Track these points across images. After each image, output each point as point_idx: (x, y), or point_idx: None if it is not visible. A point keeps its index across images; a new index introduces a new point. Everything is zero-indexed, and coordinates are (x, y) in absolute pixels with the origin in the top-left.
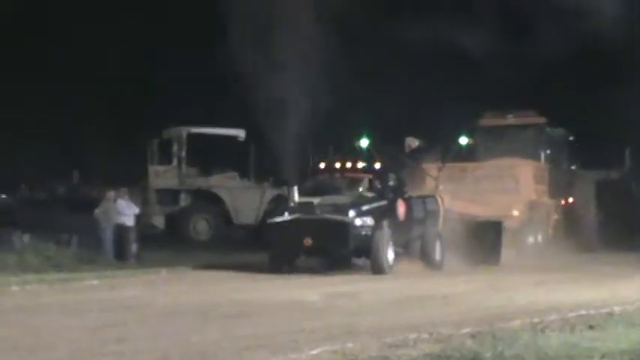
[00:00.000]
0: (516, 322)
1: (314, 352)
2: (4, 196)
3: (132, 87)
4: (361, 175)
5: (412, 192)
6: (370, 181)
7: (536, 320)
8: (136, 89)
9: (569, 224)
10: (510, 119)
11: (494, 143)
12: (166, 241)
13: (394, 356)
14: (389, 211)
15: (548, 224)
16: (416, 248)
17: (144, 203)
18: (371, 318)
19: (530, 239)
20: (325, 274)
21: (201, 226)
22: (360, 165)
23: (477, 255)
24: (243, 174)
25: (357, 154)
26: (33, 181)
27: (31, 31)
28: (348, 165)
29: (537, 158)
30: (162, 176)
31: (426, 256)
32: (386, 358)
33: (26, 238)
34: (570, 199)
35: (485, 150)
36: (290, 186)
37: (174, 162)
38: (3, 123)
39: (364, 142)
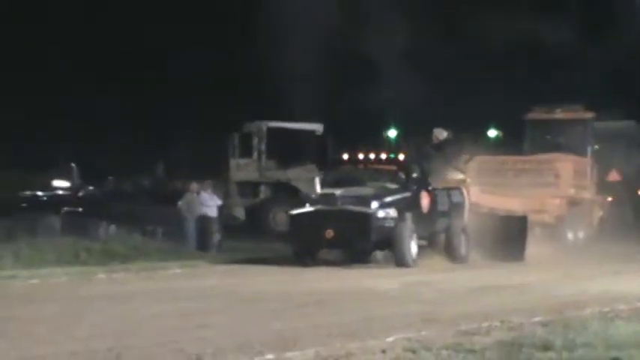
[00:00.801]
0: (587, 311)
1: (390, 339)
2: (91, 188)
3: (214, 82)
4: (385, 166)
5: (438, 184)
6: (394, 172)
7: (606, 309)
8: (218, 84)
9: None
10: (558, 113)
11: (542, 137)
12: (247, 232)
13: (467, 343)
14: (412, 203)
15: (591, 221)
16: (440, 241)
17: (225, 195)
18: (446, 306)
19: (570, 235)
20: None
21: (280, 218)
22: (384, 156)
23: (501, 250)
24: (321, 166)
25: (383, 144)
26: (120, 174)
27: (130, 40)
28: (372, 156)
29: (584, 153)
30: (243, 169)
31: (450, 250)
32: (459, 345)
33: (112, 228)
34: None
35: (533, 143)
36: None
37: (255, 155)
38: (91, 118)
39: (392, 133)
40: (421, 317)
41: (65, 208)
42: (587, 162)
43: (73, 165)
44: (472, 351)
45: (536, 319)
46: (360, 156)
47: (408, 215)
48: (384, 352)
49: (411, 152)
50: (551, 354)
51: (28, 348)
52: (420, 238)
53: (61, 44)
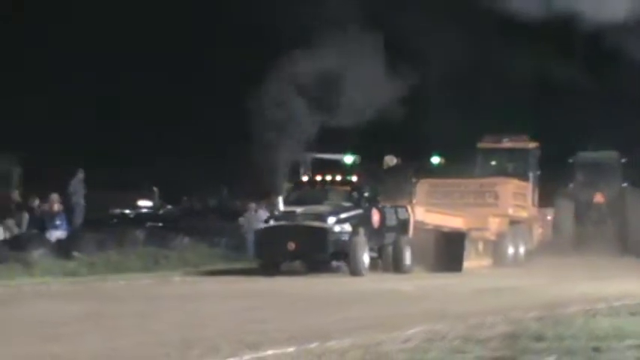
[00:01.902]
0: (572, 309)
1: (411, 331)
2: (169, 206)
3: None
4: (340, 187)
5: (387, 203)
6: (348, 192)
7: (588, 308)
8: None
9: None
10: (506, 143)
11: (490, 163)
12: None
13: (475, 335)
14: (364, 219)
15: (532, 238)
16: (389, 253)
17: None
18: (455, 305)
19: (510, 250)
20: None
21: None
22: (339, 178)
23: (442, 262)
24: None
25: (340, 168)
26: (192, 195)
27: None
28: (328, 178)
29: (527, 178)
30: None
31: (397, 261)
32: (468, 336)
33: (186, 240)
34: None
35: (482, 168)
36: (275, 197)
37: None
38: (169, 147)
39: (348, 159)
40: (435, 314)
41: (148, 224)
42: (528, 186)
43: (154, 188)
44: (479, 341)
45: (531, 315)
46: (318, 178)
47: (361, 230)
48: (406, 341)
49: (364, 175)
50: (543, 344)
51: (116, 338)
52: (370, 250)
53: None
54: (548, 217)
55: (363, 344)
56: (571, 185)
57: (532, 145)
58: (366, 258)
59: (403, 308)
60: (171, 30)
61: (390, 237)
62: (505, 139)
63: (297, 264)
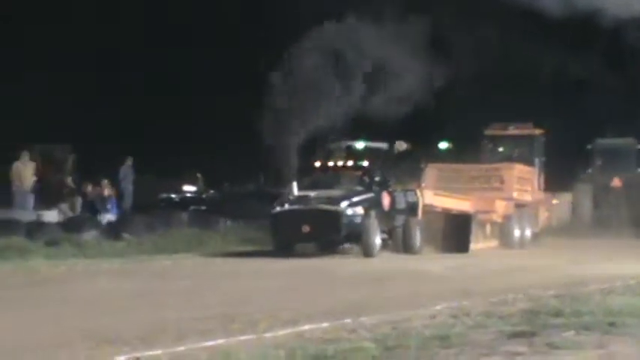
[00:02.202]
0: (589, 287)
1: (437, 307)
2: (212, 191)
3: None
4: (352, 172)
5: (398, 187)
6: (359, 176)
7: (605, 286)
8: None
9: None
10: (512, 130)
11: (497, 149)
12: None
13: (497, 311)
14: (375, 202)
15: (537, 220)
16: (399, 235)
17: None
18: (478, 284)
19: (517, 232)
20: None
21: None
22: (350, 163)
23: (450, 243)
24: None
25: (351, 154)
26: (232, 180)
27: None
28: (340, 163)
29: (532, 164)
30: None
31: (407, 243)
32: (491, 312)
33: (229, 222)
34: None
35: (490, 155)
36: (290, 182)
37: None
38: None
39: (360, 145)
40: (460, 292)
41: (192, 207)
42: (533, 170)
43: (198, 174)
44: (501, 317)
45: (550, 292)
46: (330, 163)
47: (372, 213)
48: (433, 317)
49: (375, 160)
50: (561, 320)
51: (162, 313)
52: (381, 232)
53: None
54: (554, 201)
55: (393, 320)
56: (589, 170)
57: (537, 131)
58: (377, 240)
59: (429, 287)
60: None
61: (400, 219)
62: (511, 127)
63: (309, 246)
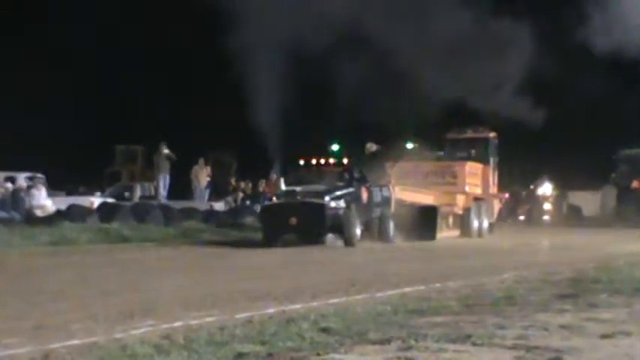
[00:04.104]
0: (620, 261)
1: (504, 275)
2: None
3: None
4: (333, 168)
5: (371, 183)
6: (340, 173)
7: (633, 260)
8: None
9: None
10: (469, 133)
11: (456, 151)
12: None
13: (550, 279)
14: (356, 197)
15: (493, 212)
16: (375, 227)
17: None
18: (535, 258)
19: (475, 223)
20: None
21: None
22: (332, 161)
23: (418, 233)
24: None
25: (328, 154)
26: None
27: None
28: (322, 161)
29: (487, 163)
30: None
31: (382, 234)
32: (546, 279)
33: None
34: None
35: (450, 156)
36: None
37: None
38: None
39: (335, 147)
40: (521, 264)
41: None
42: (487, 168)
43: None
44: (552, 283)
45: (590, 265)
46: (314, 161)
47: (353, 206)
48: (502, 282)
49: (352, 159)
50: (599, 285)
51: (300, 278)
52: (361, 224)
53: None
54: (506, 195)
55: (471, 284)
56: (614, 175)
57: (491, 134)
58: (357, 231)
59: (497, 260)
60: None
61: (376, 212)
62: (468, 131)
63: (291, 237)
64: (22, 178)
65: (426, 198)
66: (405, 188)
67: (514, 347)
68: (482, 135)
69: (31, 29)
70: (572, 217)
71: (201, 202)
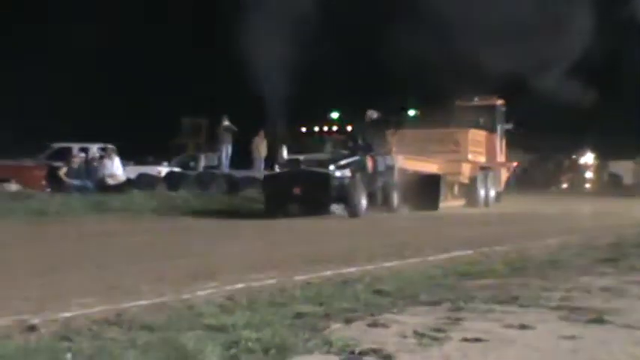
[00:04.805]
0: None
1: (549, 241)
2: None
3: None
4: (337, 136)
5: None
6: (344, 141)
7: None
8: None
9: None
10: (476, 101)
11: (465, 118)
12: None
13: (592, 244)
14: (361, 165)
15: (500, 182)
16: (379, 196)
17: None
18: (579, 223)
19: (482, 192)
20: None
21: None
22: (335, 128)
23: (422, 202)
24: None
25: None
26: None
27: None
28: (325, 129)
29: (495, 130)
30: None
31: (386, 203)
32: (589, 244)
33: None
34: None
35: (459, 123)
36: (280, 146)
37: None
38: None
39: (335, 115)
40: (565, 230)
41: None
42: (493, 136)
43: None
44: (594, 247)
45: (630, 230)
46: (316, 129)
47: (358, 175)
48: (546, 247)
49: (355, 127)
50: (638, 249)
51: (359, 242)
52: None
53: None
54: (515, 164)
55: (517, 249)
56: None
57: (499, 102)
58: (363, 200)
59: (543, 225)
60: None
61: (380, 181)
62: (476, 98)
63: (294, 208)
64: (95, 149)
65: (430, 167)
66: (409, 157)
67: (558, 308)
68: (489, 102)
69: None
70: (612, 185)
71: (259, 171)
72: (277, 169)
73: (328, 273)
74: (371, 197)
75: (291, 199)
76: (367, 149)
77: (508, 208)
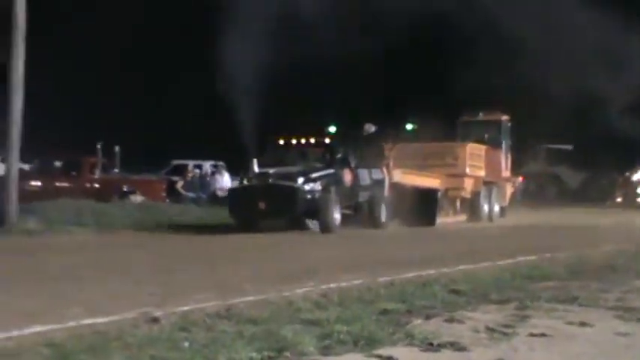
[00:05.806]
0: None
1: (606, 248)
2: None
3: None
4: (313, 148)
5: (368, 165)
6: (321, 153)
7: None
8: None
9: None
10: (481, 117)
11: (469, 134)
12: None
13: (609, 252)
14: (336, 178)
15: (505, 197)
16: (364, 211)
17: None
18: (632, 233)
19: (485, 207)
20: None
21: None
22: (313, 140)
23: (417, 217)
24: None
25: (322, 135)
26: None
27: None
28: (303, 141)
29: (499, 145)
30: None
31: (372, 218)
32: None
33: None
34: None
35: (463, 139)
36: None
37: None
38: None
39: (332, 128)
40: (620, 239)
41: None
42: (496, 151)
43: None
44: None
45: None
46: (294, 141)
47: (332, 189)
48: (603, 253)
49: (348, 141)
50: None
51: (434, 250)
52: (346, 207)
53: None
54: (520, 179)
55: (577, 255)
56: None
57: (504, 117)
58: (337, 215)
59: (572, 235)
60: None
61: (364, 195)
62: (481, 114)
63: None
64: (207, 165)
65: (431, 181)
66: (408, 171)
67: (614, 308)
68: (495, 118)
69: None
70: None
71: None
72: (245, 182)
73: (410, 275)
74: (354, 212)
75: (257, 214)
76: (345, 162)
77: (566, 218)
